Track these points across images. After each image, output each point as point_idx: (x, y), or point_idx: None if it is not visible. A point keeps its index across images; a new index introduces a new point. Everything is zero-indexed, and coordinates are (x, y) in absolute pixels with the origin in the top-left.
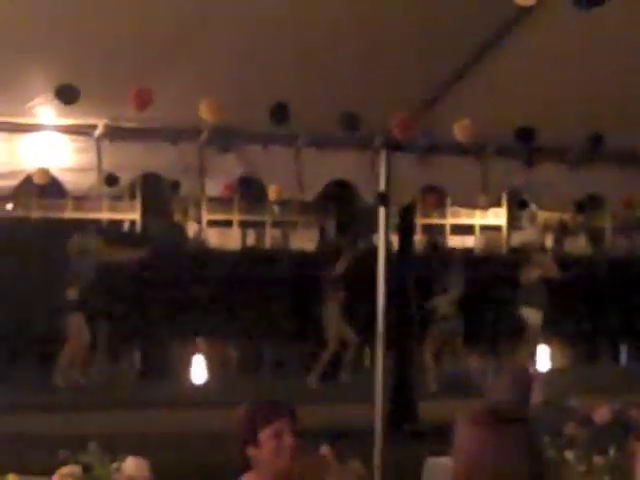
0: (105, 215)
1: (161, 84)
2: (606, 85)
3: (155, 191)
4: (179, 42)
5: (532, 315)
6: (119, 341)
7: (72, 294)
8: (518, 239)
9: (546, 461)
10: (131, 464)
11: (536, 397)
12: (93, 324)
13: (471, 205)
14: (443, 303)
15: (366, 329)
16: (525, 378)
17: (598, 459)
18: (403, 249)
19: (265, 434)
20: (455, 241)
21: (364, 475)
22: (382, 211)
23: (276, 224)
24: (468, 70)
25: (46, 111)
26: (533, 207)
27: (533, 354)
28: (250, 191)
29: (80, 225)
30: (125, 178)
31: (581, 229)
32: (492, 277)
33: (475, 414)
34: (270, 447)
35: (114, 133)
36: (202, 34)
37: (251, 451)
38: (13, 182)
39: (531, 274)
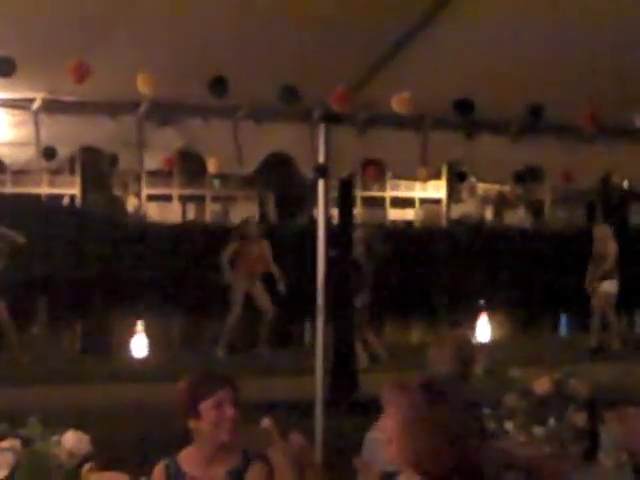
0: (45, 190)
1: (99, 57)
2: (544, 57)
3: (94, 166)
4: (116, 15)
5: (607, 286)
6: (59, 315)
7: None
8: (458, 211)
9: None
10: (71, 438)
11: (477, 368)
12: (32, 299)
13: (411, 177)
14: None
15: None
16: (467, 348)
17: (538, 430)
18: (343, 222)
19: (206, 405)
20: (395, 214)
21: (306, 447)
22: (321, 184)
23: (216, 198)
24: (406, 43)
25: None
26: (472, 179)
27: (606, 324)
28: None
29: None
30: (63, 152)
31: (520, 201)
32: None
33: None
34: (211, 418)
35: (52, 106)
36: (139, 6)
37: (192, 423)
38: None
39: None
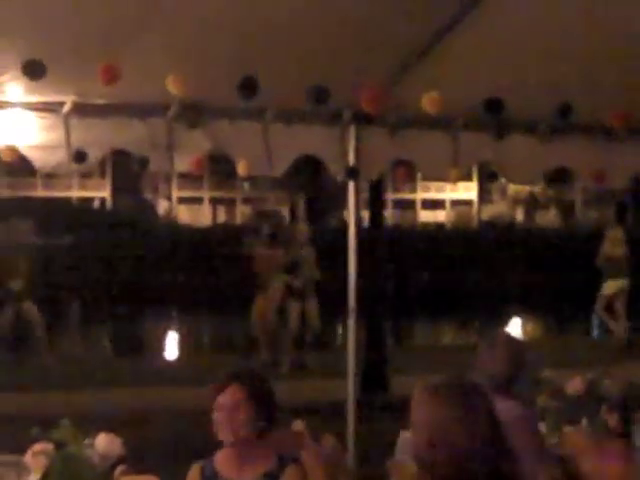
0: (75, 193)
1: (129, 60)
2: (574, 57)
3: (125, 169)
4: (146, 17)
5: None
6: (91, 318)
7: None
8: (489, 212)
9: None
10: (103, 441)
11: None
12: (64, 302)
13: (441, 179)
14: None
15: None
16: (521, 350)
17: (570, 430)
18: (374, 224)
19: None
20: (426, 215)
21: (338, 449)
22: (352, 186)
23: (246, 200)
24: (436, 43)
25: (13, 88)
26: (503, 180)
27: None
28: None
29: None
30: (94, 155)
31: (551, 202)
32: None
33: (436, 386)
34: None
35: (82, 110)
36: (169, 8)
37: None
38: None
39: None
